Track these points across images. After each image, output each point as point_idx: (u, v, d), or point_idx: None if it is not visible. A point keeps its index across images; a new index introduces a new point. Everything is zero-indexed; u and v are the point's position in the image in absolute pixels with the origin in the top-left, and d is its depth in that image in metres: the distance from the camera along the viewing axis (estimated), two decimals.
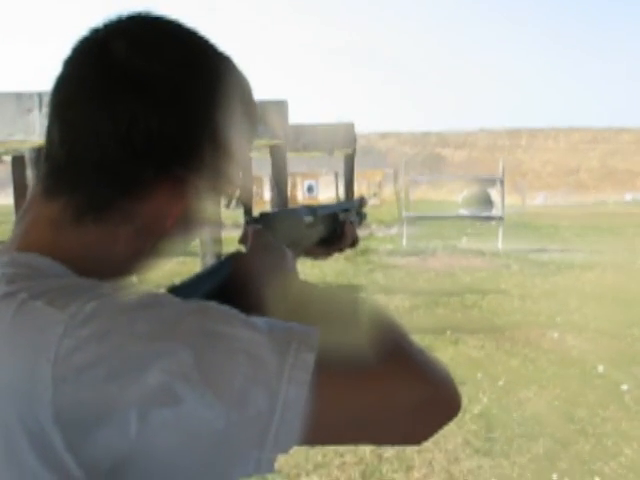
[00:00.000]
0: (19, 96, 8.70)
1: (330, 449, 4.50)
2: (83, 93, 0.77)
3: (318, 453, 4.49)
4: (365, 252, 14.73)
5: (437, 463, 4.44)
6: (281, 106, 10.66)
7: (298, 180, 22.61)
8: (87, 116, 0.76)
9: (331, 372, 0.69)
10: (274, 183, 11.37)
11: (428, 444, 4.70)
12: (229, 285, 0.89)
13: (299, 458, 4.43)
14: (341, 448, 4.52)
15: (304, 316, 0.77)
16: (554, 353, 7.00)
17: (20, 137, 8.88)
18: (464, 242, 16.06)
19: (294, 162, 17.39)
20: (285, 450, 0.67)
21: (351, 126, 16.08)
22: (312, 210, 1.19)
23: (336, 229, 1.29)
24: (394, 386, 0.71)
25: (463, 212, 19.86)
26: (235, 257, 0.95)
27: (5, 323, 0.68)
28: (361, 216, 1.46)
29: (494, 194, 18.55)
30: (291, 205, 14.32)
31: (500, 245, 14.95)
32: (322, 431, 0.70)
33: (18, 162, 13.44)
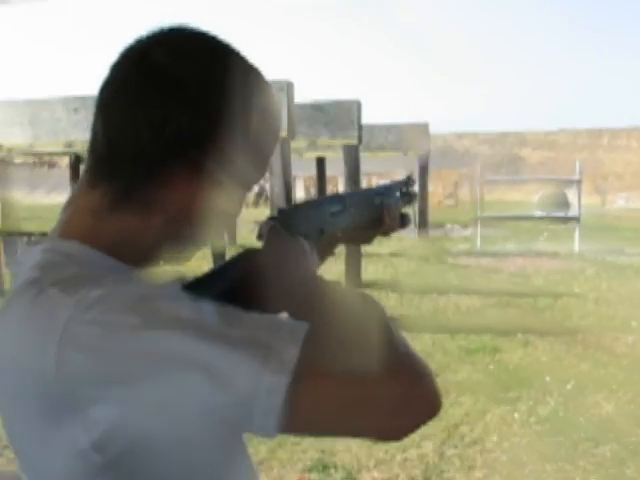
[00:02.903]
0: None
1: (392, 446, 4.53)
2: (124, 92, 0.88)
3: (380, 449, 4.52)
4: (439, 252, 14.65)
5: (499, 464, 4.42)
6: (354, 106, 10.68)
7: (373, 180, 22.65)
8: (127, 113, 0.86)
9: (314, 368, 0.74)
10: (348, 183, 11.40)
11: (491, 445, 4.69)
12: (242, 282, 0.92)
13: (360, 454, 4.47)
14: (403, 445, 4.55)
15: (309, 312, 0.83)
16: (627, 358, 6.83)
17: None
18: (539, 243, 15.78)
19: (369, 162, 17.40)
20: (269, 435, 0.74)
21: (425, 126, 15.99)
22: (340, 198, 1.19)
23: (376, 214, 1.27)
24: (375, 386, 0.74)
25: (539, 213, 19.51)
26: (248, 254, 0.98)
27: (27, 306, 0.78)
28: (409, 196, 1.41)
29: (572, 195, 18.16)
30: None
31: (576, 247, 14.65)
32: (300, 422, 0.75)
33: None
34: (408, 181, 1.42)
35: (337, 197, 1.20)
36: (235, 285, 0.92)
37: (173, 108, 0.85)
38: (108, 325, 0.73)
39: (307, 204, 1.14)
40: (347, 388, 0.74)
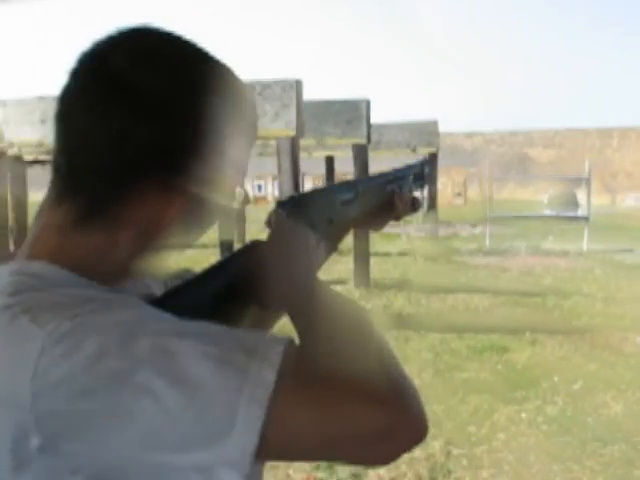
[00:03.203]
0: None
1: None
2: (81, 104, 0.82)
3: None
4: (448, 252, 14.63)
5: (506, 464, 4.42)
6: (363, 105, 10.69)
7: None
8: (84, 126, 0.81)
9: (294, 390, 0.71)
10: None
11: (498, 444, 4.69)
12: (242, 277, 0.90)
13: None
14: None
15: (305, 314, 0.82)
16: (635, 357, 6.82)
17: None
18: (548, 242, 15.74)
19: (378, 161, 17.35)
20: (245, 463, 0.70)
21: (434, 124, 15.93)
22: (352, 185, 1.15)
23: (388, 200, 1.24)
24: (361, 414, 0.71)
25: (548, 212, 19.44)
26: (251, 248, 0.96)
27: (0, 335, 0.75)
28: (422, 180, 1.38)
29: (581, 194, 18.10)
30: None
31: (585, 246, 14.60)
32: (276, 450, 0.72)
33: None
34: (422, 165, 1.40)
35: (349, 184, 1.16)
36: (235, 280, 0.91)
37: (130, 121, 0.79)
38: (81, 358, 0.69)
39: (318, 191, 1.11)
40: (329, 414, 0.71)
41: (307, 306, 0.85)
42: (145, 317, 0.76)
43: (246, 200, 0.94)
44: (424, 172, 1.39)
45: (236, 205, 0.93)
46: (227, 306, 0.90)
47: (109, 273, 0.84)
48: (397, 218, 1.28)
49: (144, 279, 0.95)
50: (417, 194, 1.37)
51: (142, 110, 0.80)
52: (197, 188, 0.84)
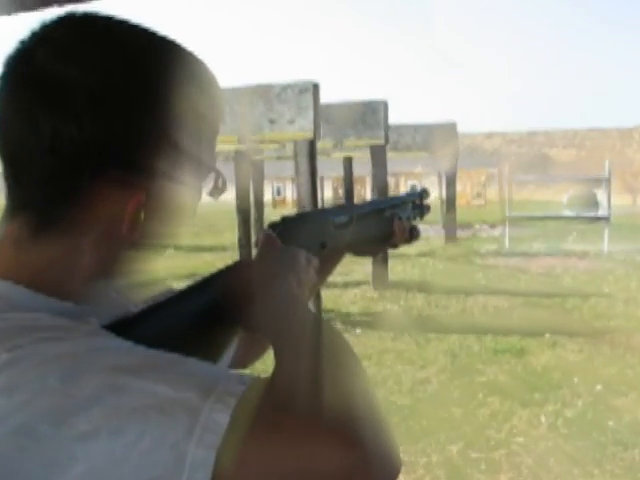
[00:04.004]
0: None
1: (417, 449, 4.53)
2: (11, 109, 0.76)
3: (404, 452, 4.50)
4: (467, 253, 14.59)
5: (525, 467, 4.38)
6: (381, 106, 10.69)
7: (401, 180, 22.63)
8: (18, 132, 0.75)
9: (249, 434, 0.64)
10: (375, 183, 11.42)
11: (517, 448, 4.66)
12: (226, 296, 0.86)
13: None
14: (428, 448, 4.54)
15: (286, 337, 0.78)
16: None
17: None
18: (568, 243, 15.65)
19: (397, 162, 17.34)
20: None
21: (453, 126, 15.92)
22: (347, 209, 1.13)
23: (385, 226, 1.22)
24: (320, 450, 0.65)
25: (568, 213, 19.32)
26: (236, 266, 0.91)
27: None
28: (421, 209, 1.37)
29: (601, 194, 17.96)
30: None
31: (606, 247, 14.49)
32: None
33: None
34: (422, 194, 1.39)
35: (344, 208, 1.15)
36: (219, 300, 0.87)
37: (59, 119, 0.73)
38: (19, 394, 0.64)
39: (311, 214, 1.09)
40: (287, 457, 0.65)
41: (290, 328, 0.80)
42: (96, 348, 0.70)
43: (223, 189, 0.89)
44: (423, 201, 1.38)
45: (215, 197, 0.89)
46: (212, 326, 0.87)
47: (76, 284, 0.79)
48: (394, 246, 1.26)
49: (123, 298, 0.91)
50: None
51: (72, 107, 0.74)
52: (154, 182, 0.79)
